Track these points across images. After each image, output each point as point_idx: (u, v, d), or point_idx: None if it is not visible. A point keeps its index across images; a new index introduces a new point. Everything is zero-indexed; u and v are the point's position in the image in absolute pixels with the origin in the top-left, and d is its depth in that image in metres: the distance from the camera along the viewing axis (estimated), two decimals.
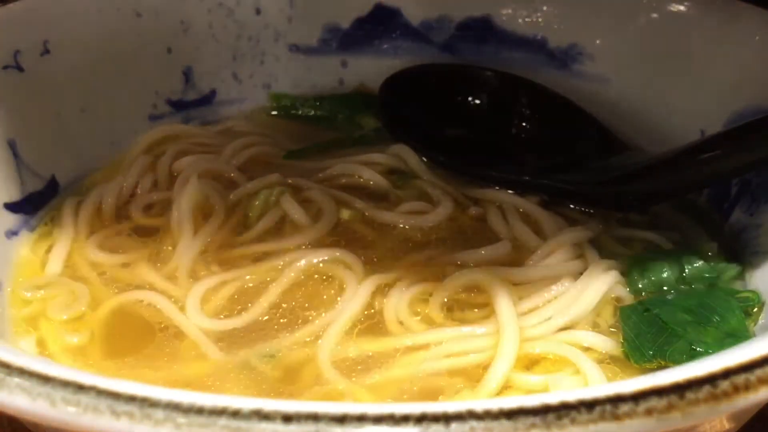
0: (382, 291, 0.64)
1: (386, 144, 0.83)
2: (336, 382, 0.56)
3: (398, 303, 0.63)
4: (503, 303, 0.60)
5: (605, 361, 0.59)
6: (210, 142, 0.85)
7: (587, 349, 0.59)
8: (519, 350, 0.58)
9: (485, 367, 0.57)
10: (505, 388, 0.56)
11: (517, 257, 0.68)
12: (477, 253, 0.67)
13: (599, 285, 0.62)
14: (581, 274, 0.64)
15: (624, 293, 0.63)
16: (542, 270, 0.65)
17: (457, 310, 0.63)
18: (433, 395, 0.56)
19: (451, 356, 0.58)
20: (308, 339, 0.61)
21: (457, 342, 0.59)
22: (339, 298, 0.64)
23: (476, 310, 0.62)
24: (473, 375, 0.57)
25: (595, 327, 0.61)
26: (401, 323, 0.62)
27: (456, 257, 0.67)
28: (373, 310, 0.63)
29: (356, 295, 0.63)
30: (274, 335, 0.61)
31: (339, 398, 0.55)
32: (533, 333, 0.60)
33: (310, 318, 0.62)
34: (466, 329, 0.60)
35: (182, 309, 0.63)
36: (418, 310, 0.63)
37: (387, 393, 0.56)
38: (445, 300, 0.63)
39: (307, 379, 0.57)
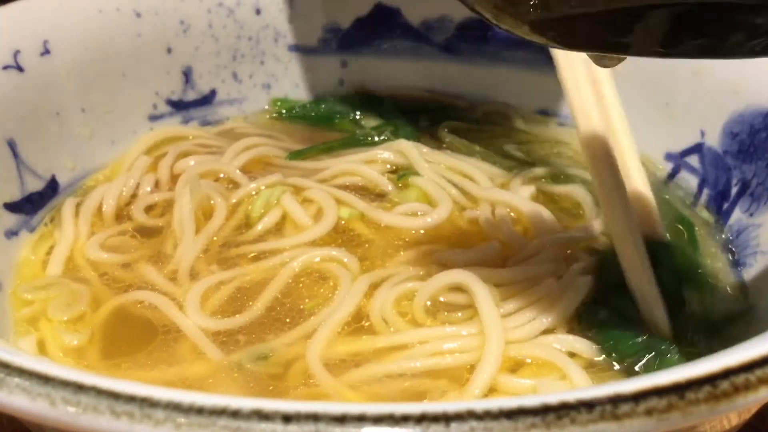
0: (374, 290, 0.64)
1: (387, 142, 0.83)
2: (323, 381, 0.56)
3: (383, 302, 0.63)
4: (485, 304, 0.60)
5: (591, 366, 0.58)
6: (211, 143, 0.85)
7: (573, 354, 0.58)
8: (504, 352, 0.57)
9: (470, 368, 0.57)
10: (491, 390, 0.56)
11: (506, 258, 0.67)
12: (464, 254, 0.67)
13: (581, 286, 0.62)
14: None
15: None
16: (525, 271, 0.64)
17: (441, 312, 0.62)
18: (418, 396, 0.56)
19: (434, 356, 0.58)
20: (301, 337, 0.61)
21: (442, 342, 0.59)
22: (333, 296, 0.64)
23: (459, 313, 0.62)
24: (458, 377, 0.57)
25: (579, 330, 0.61)
26: (386, 322, 0.62)
27: (442, 257, 0.67)
28: (367, 310, 0.63)
29: (349, 294, 0.63)
30: (270, 334, 0.61)
31: (325, 398, 0.55)
32: (517, 334, 0.59)
33: (304, 316, 0.63)
34: (450, 329, 0.60)
35: (182, 309, 0.63)
36: (406, 309, 0.63)
37: (373, 392, 0.56)
38: (428, 300, 0.63)
39: (296, 377, 0.57)
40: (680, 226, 0.74)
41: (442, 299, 0.63)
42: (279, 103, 0.91)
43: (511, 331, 0.59)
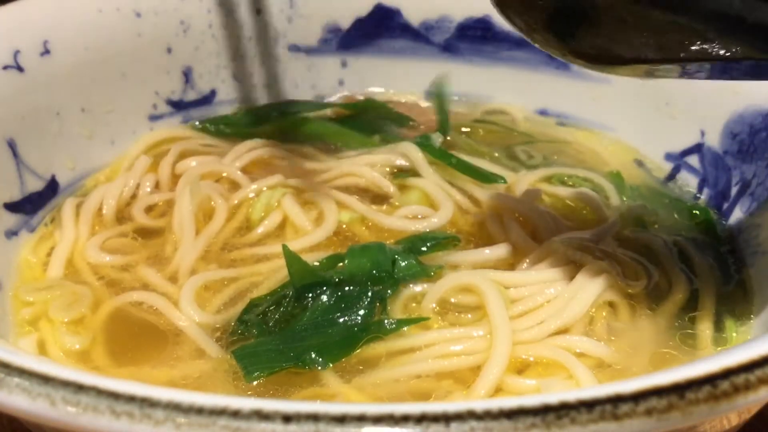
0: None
1: (390, 144, 0.82)
2: (329, 382, 0.56)
3: (391, 304, 0.62)
4: (495, 306, 0.60)
5: (599, 366, 0.58)
6: (213, 143, 0.85)
7: (580, 355, 0.58)
8: (511, 353, 0.57)
9: (476, 369, 0.57)
10: (496, 391, 0.56)
11: (515, 261, 0.67)
12: (474, 255, 0.67)
13: (591, 289, 0.62)
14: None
15: (617, 297, 0.63)
16: (535, 274, 0.64)
17: (450, 313, 0.62)
18: (423, 397, 0.56)
19: (442, 358, 0.58)
20: None
21: (449, 344, 0.59)
22: None
23: (469, 314, 0.62)
24: (463, 378, 0.57)
25: (589, 332, 0.61)
26: None
27: (452, 259, 0.67)
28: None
29: None
30: None
31: (329, 399, 0.55)
32: (526, 336, 0.59)
33: None
34: (458, 331, 0.60)
35: (177, 304, 0.63)
36: (414, 311, 0.63)
37: (378, 394, 0.56)
38: (436, 303, 0.62)
39: (302, 378, 0.57)
40: (697, 212, 0.75)
41: (453, 300, 0.63)
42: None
43: (521, 332, 0.59)
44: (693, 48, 0.49)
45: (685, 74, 0.53)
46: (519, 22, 0.53)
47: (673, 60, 0.50)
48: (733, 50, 0.49)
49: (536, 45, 0.54)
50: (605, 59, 0.53)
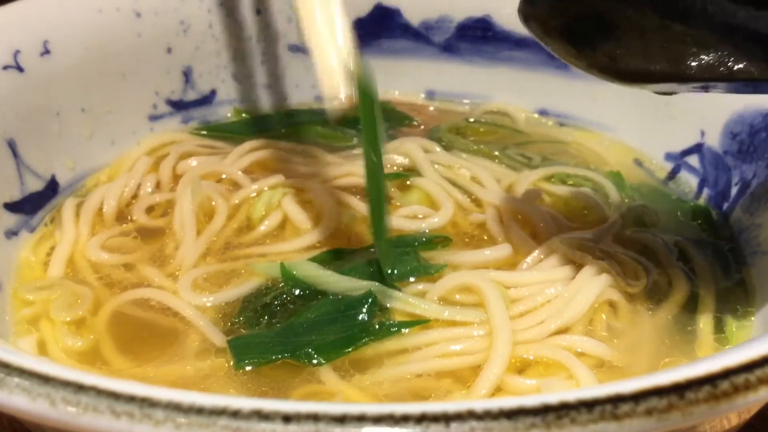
0: None
1: (391, 143, 0.82)
2: (329, 381, 0.56)
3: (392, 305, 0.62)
4: (495, 305, 0.60)
5: (599, 366, 0.58)
6: (213, 144, 0.85)
7: (581, 354, 0.58)
8: (512, 353, 0.57)
9: (476, 369, 0.57)
10: (497, 390, 0.56)
11: (516, 261, 0.67)
12: (475, 255, 0.67)
13: (591, 288, 0.62)
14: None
15: (617, 296, 0.63)
16: (535, 274, 0.64)
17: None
18: (423, 396, 0.56)
19: (443, 357, 0.58)
20: None
21: (450, 343, 0.59)
22: None
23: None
24: (464, 377, 0.57)
25: (590, 332, 0.61)
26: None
27: (453, 259, 0.67)
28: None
29: None
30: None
31: (329, 398, 0.55)
32: (526, 336, 0.59)
33: None
34: (458, 330, 0.60)
35: (177, 293, 0.64)
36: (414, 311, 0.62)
37: (378, 393, 0.56)
38: (437, 301, 0.63)
39: (301, 376, 0.57)
40: (697, 212, 0.75)
41: (458, 297, 0.63)
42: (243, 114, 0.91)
43: (521, 332, 0.59)
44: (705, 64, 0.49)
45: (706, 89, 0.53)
46: (538, 32, 0.54)
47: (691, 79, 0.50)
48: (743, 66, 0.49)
49: (558, 56, 0.55)
50: (633, 75, 0.53)
